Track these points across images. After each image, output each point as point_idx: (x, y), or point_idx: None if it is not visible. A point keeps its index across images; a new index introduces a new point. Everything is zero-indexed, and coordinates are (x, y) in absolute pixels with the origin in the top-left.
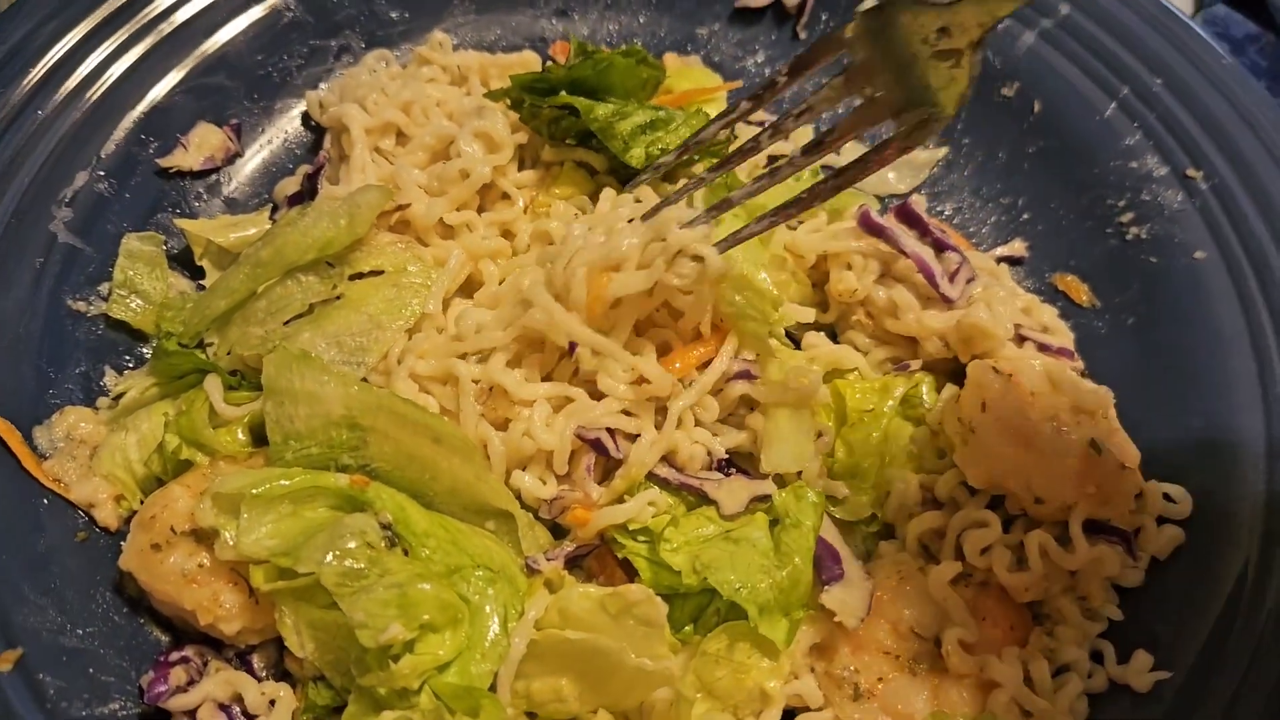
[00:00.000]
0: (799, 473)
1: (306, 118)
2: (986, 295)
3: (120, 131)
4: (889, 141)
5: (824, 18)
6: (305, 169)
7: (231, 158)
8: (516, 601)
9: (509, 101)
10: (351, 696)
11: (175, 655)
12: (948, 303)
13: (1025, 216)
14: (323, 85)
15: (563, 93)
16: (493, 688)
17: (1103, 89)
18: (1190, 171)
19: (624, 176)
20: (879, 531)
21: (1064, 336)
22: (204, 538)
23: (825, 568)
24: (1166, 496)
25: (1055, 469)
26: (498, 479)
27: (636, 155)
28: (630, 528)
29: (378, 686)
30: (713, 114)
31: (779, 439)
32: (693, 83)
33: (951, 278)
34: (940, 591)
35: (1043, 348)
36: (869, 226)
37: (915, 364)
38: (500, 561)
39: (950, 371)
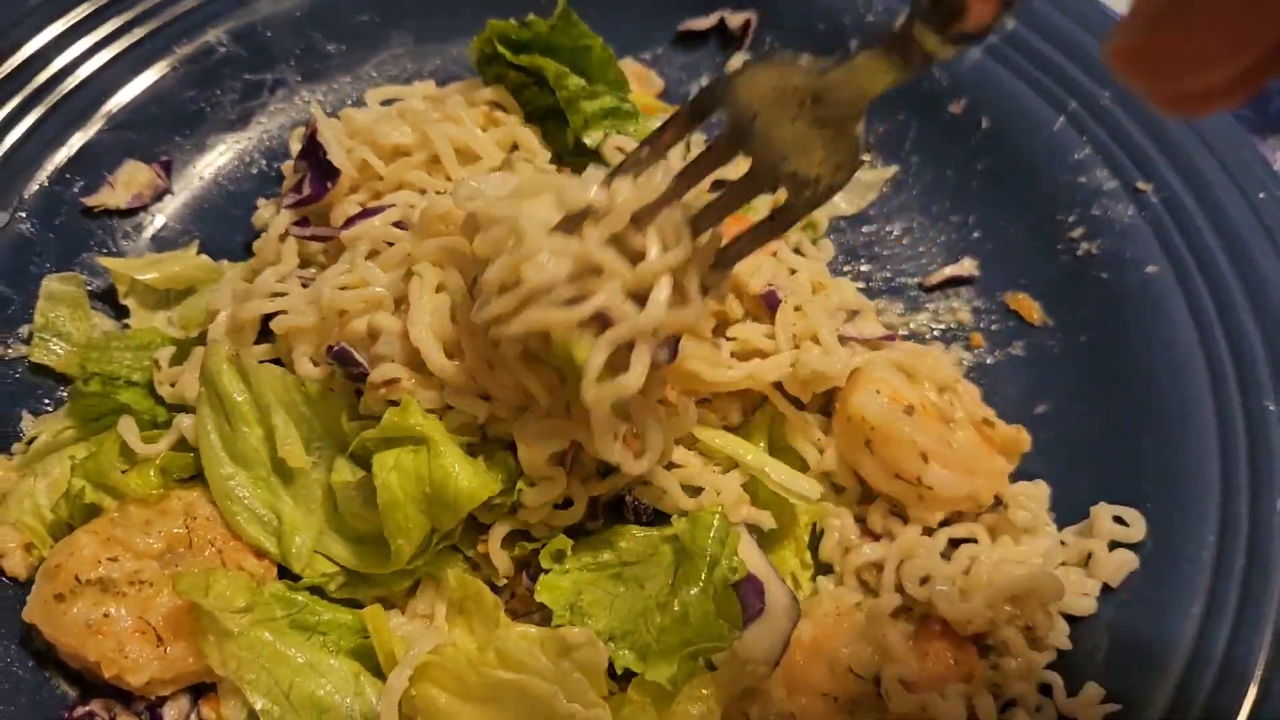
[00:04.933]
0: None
1: (240, 153)
2: (804, 325)
3: (44, 171)
4: (768, 224)
5: (768, 40)
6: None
7: (161, 194)
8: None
9: (476, 56)
10: None
11: (80, 710)
12: None
13: (975, 235)
14: (261, 120)
15: (537, 54)
16: None
17: (1050, 103)
18: (1140, 184)
19: (575, 167)
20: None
21: (868, 311)
22: (109, 586)
23: (747, 603)
24: (1118, 520)
25: (991, 472)
26: None
27: (594, 137)
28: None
29: None
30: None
31: None
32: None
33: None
34: (878, 627)
35: (865, 342)
36: None
37: None
38: None
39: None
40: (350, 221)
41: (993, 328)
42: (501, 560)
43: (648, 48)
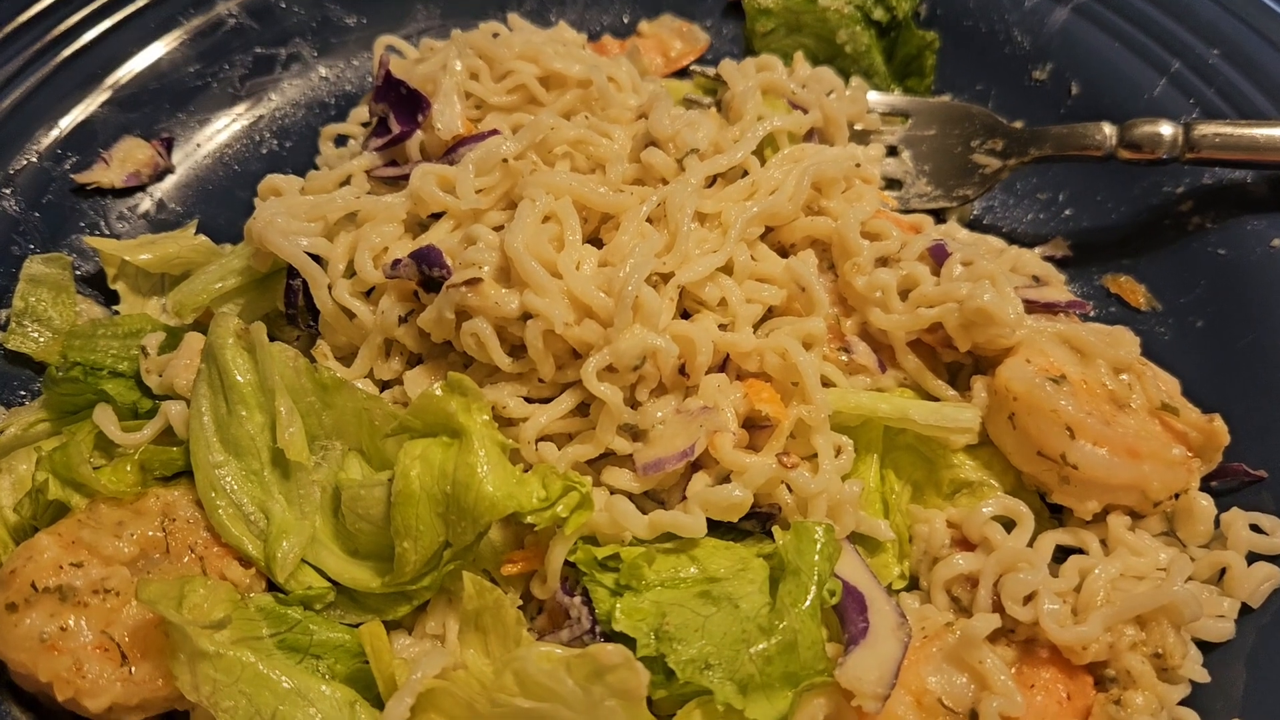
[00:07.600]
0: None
1: (249, 131)
2: (975, 271)
3: (35, 145)
4: None
5: None
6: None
7: (161, 174)
8: None
9: None
10: None
11: None
12: None
13: (1067, 212)
14: (273, 96)
15: None
16: None
17: (1150, 64)
18: None
19: None
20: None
21: (1057, 282)
22: (69, 595)
23: (849, 620)
24: (1255, 528)
25: (1168, 463)
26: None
27: None
28: (599, 556)
29: None
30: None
31: None
32: None
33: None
34: (975, 653)
35: (1048, 307)
36: None
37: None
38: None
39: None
40: (458, 146)
41: (1091, 314)
42: (554, 570)
43: (696, 18)
